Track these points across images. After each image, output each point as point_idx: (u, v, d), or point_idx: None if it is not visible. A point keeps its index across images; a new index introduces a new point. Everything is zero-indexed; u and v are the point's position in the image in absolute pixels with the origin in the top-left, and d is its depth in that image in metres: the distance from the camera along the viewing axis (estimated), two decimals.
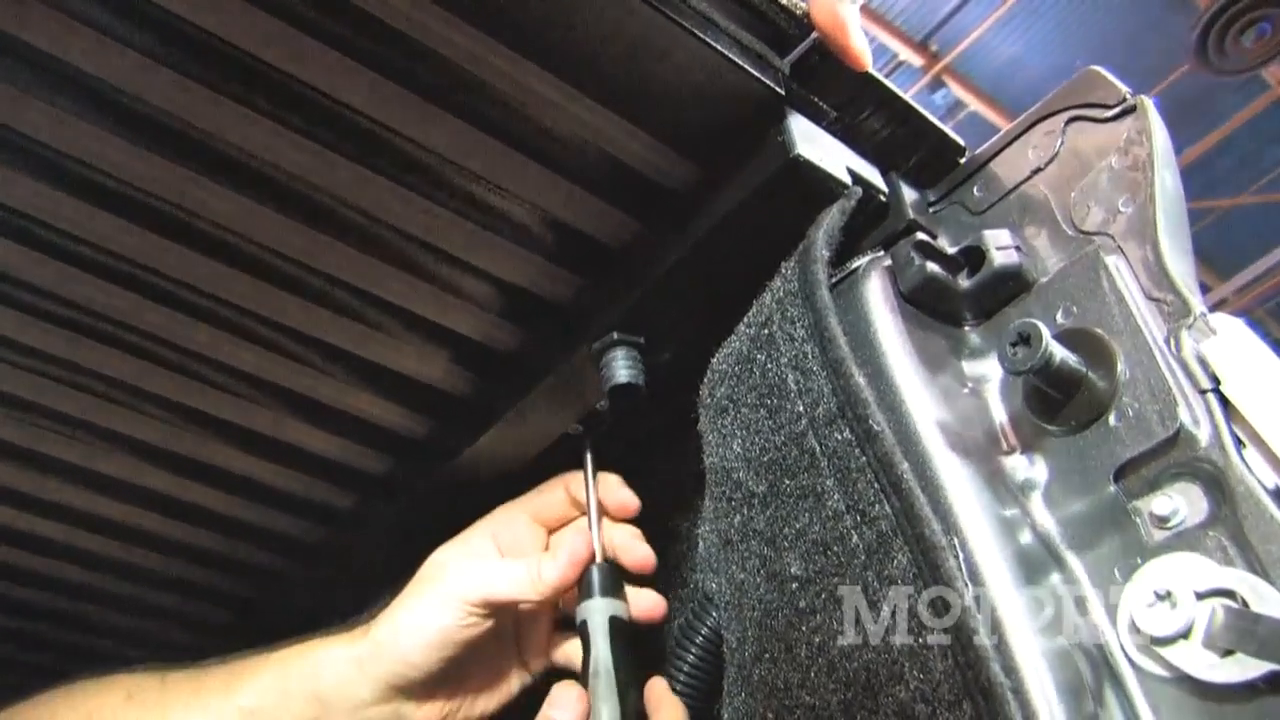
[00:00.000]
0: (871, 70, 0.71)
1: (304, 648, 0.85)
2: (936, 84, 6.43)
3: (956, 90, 6.47)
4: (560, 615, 0.92)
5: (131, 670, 0.87)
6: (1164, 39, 5.62)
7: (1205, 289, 7.28)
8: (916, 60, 6.29)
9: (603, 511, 0.87)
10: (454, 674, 0.83)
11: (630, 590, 0.85)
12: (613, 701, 0.76)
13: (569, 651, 0.91)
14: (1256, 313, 7.57)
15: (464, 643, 0.81)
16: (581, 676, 0.81)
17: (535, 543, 0.89)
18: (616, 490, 0.88)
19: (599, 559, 0.84)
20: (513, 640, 0.89)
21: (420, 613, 0.81)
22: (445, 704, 0.86)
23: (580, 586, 0.82)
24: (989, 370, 0.69)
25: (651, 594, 0.85)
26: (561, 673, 0.89)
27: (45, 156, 0.72)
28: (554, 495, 0.91)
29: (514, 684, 0.91)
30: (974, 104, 6.53)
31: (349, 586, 1.13)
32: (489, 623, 0.81)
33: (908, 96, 0.75)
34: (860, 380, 0.62)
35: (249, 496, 1.08)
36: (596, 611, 0.80)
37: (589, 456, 0.90)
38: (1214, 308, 0.60)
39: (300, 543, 1.16)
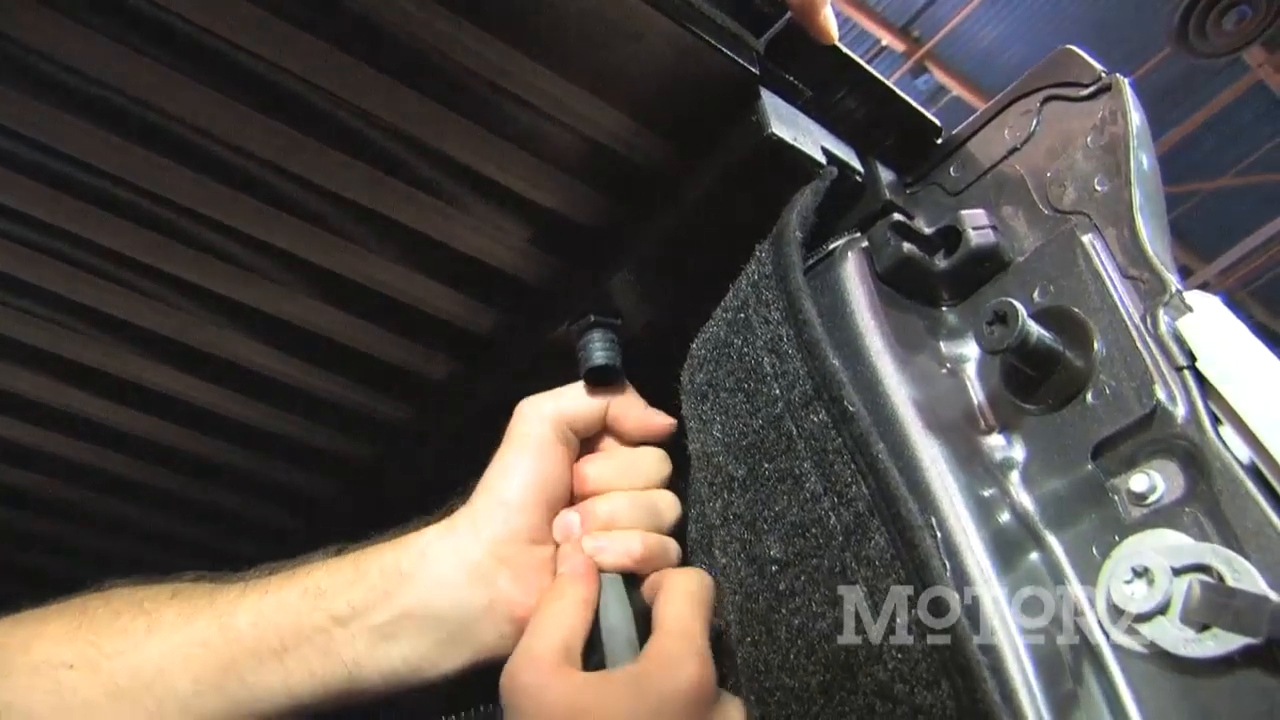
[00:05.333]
0: (837, 42, 0.71)
1: (393, 541, 0.75)
2: (919, 69, 6.44)
3: (939, 75, 6.48)
4: None
5: (180, 576, 0.78)
6: (1145, 22, 5.63)
7: (1187, 272, 7.32)
8: (898, 46, 6.30)
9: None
10: (541, 542, 0.74)
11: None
12: (624, 607, 0.73)
13: None
14: (1238, 295, 7.61)
15: (554, 461, 0.75)
16: None
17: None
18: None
19: None
20: None
21: (511, 453, 0.76)
22: (532, 586, 0.73)
23: None
24: (967, 350, 0.69)
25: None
26: None
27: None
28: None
29: None
30: (956, 89, 6.54)
31: None
32: (574, 442, 0.77)
33: (884, 77, 0.75)
34: (835, 362, 0.62)
35: (237, 488, 1.08)
36: None
37: None
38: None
39: (284, 531, 1.15)
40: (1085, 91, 0.69)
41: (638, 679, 0.63)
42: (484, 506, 0.74)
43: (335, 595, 0.70)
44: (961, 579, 0.55)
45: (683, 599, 0.69)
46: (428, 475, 1.03)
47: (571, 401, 0.78)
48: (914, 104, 0.76)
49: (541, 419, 0.76)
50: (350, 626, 0.69)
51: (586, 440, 0.81)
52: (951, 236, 0.69)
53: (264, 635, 0.69)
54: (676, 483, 0.87)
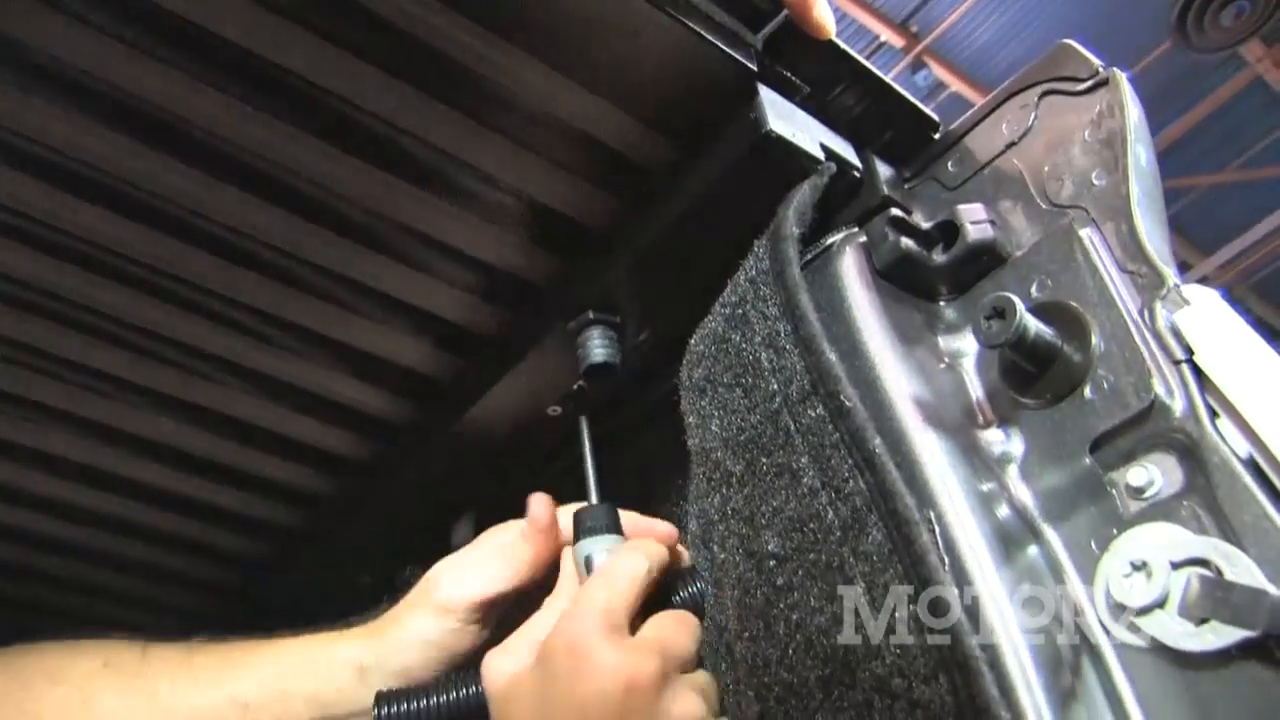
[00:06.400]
0: (835, 38, 0.71)
1: (304, 644, 0.81)
2: (917, 65, 6.42)
3: (937, 71, 6.45)
4: None
5: (107, 637, 0.83)
6: (1144, 17, 5.61)
7: (1187, 266, 7.30)
8: (897, 41, 6.28)
9: None
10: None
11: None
12: None
13: None
14: (1238, 289, 7.60)
15: (463, 652, 0.79)
16: None
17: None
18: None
19: (595, 500, 0.82)
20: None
21: (415, 626, 0.79)
22: None
23: (578, 527, 0.81)
24: (965, 345, 0.69)
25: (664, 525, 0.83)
26: None
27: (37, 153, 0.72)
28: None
29: None
30: (955, 85, 6.52)
31: (335, 568, 1.13)
32: (488, 626, 0.79)
33: (882, 73, 0.75)
34: (831, 357, 0.61)
35: (230, 482, 1.08)
36: (598, 546, 0.78)
37: (584, 425, 0.88)
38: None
39: (283, 527, 1.16)
40: (1082, 86, 0.69)
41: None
42: (390, 674, 0.78)
43: (261, 710, 0.77)
44: (960, 574, 0.55)
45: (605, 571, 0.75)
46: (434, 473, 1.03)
47: (476, 585, 0.79)
48: (911, 99, 0.76)
49: (449, 609, 0.79)
50: None
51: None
52: (949, 231, 0.69)
53: None
54: (678, 479, 0.87)
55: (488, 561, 0.81)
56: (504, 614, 0.81)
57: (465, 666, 0.79)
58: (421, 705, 0.74)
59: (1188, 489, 0.55)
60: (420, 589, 0.81)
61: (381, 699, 0.74)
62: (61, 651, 0.80)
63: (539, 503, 0.82)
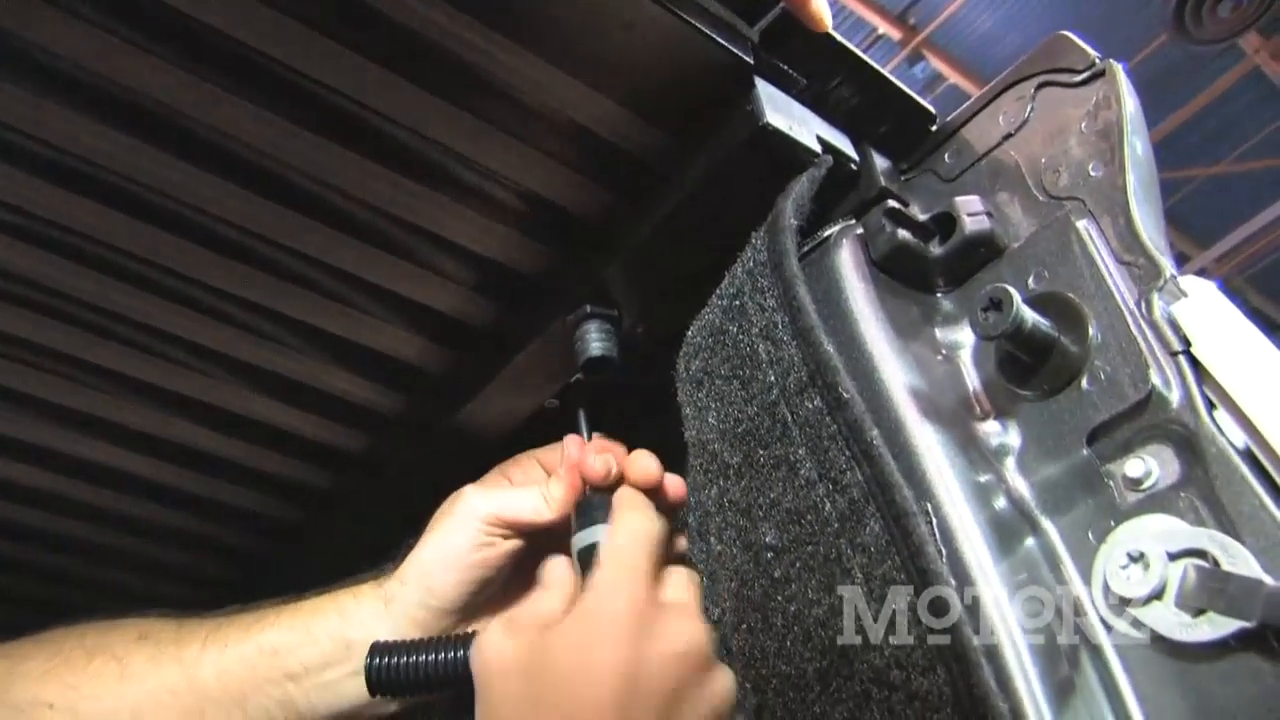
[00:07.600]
0: (831, 31, 0.70)
1: (333, 591, 0.83)
2: (915, 57, 6.42)
3: (935, 63, 6.46)
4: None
5: (145, 614, 0.85)
6: (1141, 10, 5.62)
7: (1184, 258, 7.31)
8: (895, 34, 6.28)
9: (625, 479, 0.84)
10: (477, 611, 0.81)
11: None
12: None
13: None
14: (1235, 281, 7.61)
15: (481, 564, 0.79)
16: None
17: (545, 479, 0.87)
18: (639, 459, 0.84)
19: (590, 489, 0.82)
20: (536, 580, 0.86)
21: (437, 538, 0.80)
22: None
23: (575, 517, 0.81)
24: (962, 337, 0.69)
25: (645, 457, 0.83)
26: None
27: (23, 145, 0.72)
28: (560, 449, 0.90)
29: None
30: (953, 77, 6.52)
31: (329, 564, 1.13)
32: (506, 544, 0.80)
33: (879, 65, 0.75)
34: (829, 348, 0.62)
35: (228, 477, 1.08)
36: (591, 537, 0.79)
37: (582, 417, 0.89)
38: None
39: (281, 521, 1.16)
40: (1079, 77, 0.69)
41: (576, 614, 0.69)
42: (412, 593, 0.80)
43: (288, 654, 0.78)
44: (957, 566, 0.55)
45: (619, 534, 0.75)
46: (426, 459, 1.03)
47: (503, 502, 0.80)
48: (908, 91, 0.76)
49: (473, 516, 0.79)
50: (302, 682, 0.78)
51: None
52: (946, 223, 0.69)
53: (227, 687, 0.77)
54: (676, 471, 0.87)
55: (518, 490, 0.82)
56: (525, 557, 0.81)
57: (490, 590, 0.80)
58: (414, 660, 0.74)
59: (1185, 480, 0.55)
60: (444, 506, 0.82)
61: (376, 649, 0.75)
62: (100, 628, 0.82)
63: (573, 444, 0.83)
